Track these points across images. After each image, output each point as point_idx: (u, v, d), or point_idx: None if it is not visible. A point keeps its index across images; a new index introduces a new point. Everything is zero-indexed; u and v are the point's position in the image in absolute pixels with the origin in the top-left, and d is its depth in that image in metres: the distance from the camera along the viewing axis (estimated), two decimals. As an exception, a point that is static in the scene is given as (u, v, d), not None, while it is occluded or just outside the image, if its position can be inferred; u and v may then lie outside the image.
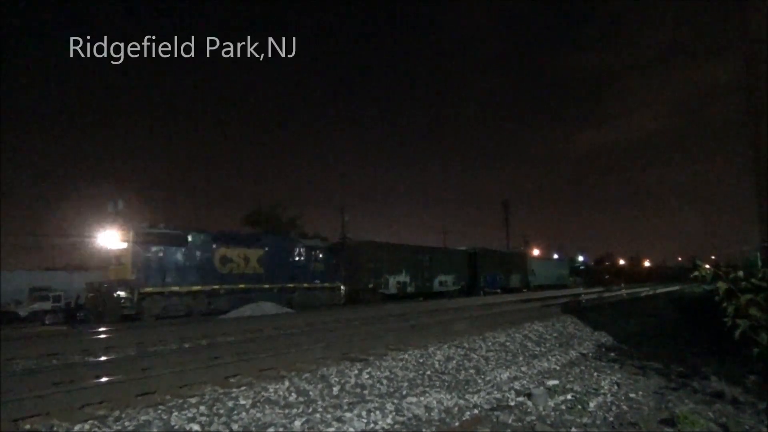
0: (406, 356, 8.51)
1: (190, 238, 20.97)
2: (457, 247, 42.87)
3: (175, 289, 20.11)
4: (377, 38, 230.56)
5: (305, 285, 24.85)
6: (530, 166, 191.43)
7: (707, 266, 6.22)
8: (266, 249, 23.45)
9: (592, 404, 5.37)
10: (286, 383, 6.58)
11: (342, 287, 27.00)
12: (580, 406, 5.28)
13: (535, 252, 76.41)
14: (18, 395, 6.01)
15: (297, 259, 24.90)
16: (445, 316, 17.62)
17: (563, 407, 5.32)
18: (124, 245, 19.65)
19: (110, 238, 20.29)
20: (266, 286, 22.97)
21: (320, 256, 25.96)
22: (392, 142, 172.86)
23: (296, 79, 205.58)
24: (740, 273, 5.54)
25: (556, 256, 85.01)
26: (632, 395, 5.75)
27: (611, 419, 4.91)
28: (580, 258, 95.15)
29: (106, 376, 7.54)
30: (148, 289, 19.34)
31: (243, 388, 6.54)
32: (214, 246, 21.64)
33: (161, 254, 20.05)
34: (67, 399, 6.01)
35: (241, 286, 22.10)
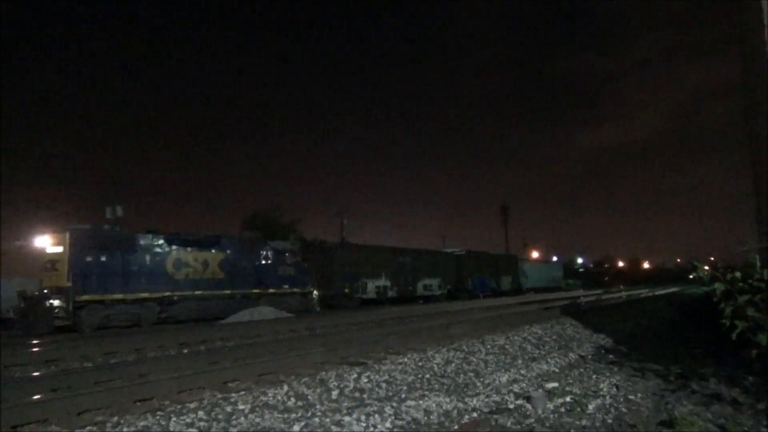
0: (406, 360, 8.51)
1: (139, 241, 19.30)
2: (444, 250, 41.99)
3: (119, 296, 18.19)
4: (376, 42, 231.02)
5: (272, 290, 23.07)
6: (529, 169, 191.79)
7: (705, 267, 6.23)
8: (228, 252, 21.82)
9: (591, 406, 5.37)
10: (285, 387, 6.57)
11: (314, 292, 25.32)
12: (579, 409, 5.28)
13: (535, 254, 76.52)
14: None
15: (263, 262, 23.10)
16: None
17: (562, 410, 5.31)
18: (60, 249, 17.72)
19: (44, 242, 18.35)
20: (227, 292, 21.30)
21: (290, 259, 24.30)
22: (391, 146, 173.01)
23: (296, 81, 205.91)
24: (738, 274, 5.55)
25: (555, 258, 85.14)
26: (631, 397, 5.75)
27: (610, 421, 4.91)
28: (580, 260, 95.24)
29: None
30: (86, 297, 17.38)
31: (242, 392, 6.53)
32: (168, 249, 19.90)
33: (104, 258, 18.10)
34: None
35: (198, 292, 20.31)
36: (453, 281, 38.28)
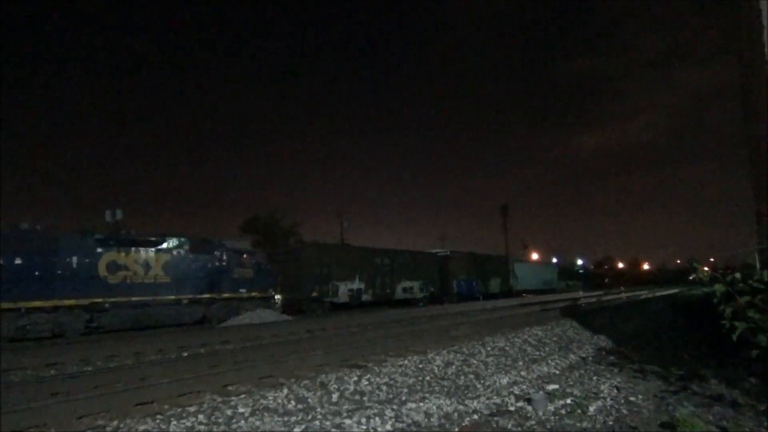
0: (406, 362, 8.50)
1: (63, 242, 17.25)
2: (428, 250, 39.63)
3: (38, 304, 16.15)
4: (376, 45, 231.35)
5: (226, 295, 21.09)
6: (530, 170, 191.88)
7: (705, 269, 6.23)
8: (174, 253, 19.88)
9: (591, 408, 5.36)
10: (285, 390, 6.56)
11: (277, 297, 23.47)
12: (579, 411, 5.27)
13: (535, 255, 76.47)
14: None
15: (217, 264, 21.12)
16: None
17: (563, 411, 5.31)
18: None
19: None
20: (171, 297, 19.31)
21: (249, 261, 22.43)
22: (392, 148, 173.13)
23: (297, 84, 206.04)
24: (738, 275, 5.55)
25: (555, 260, 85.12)
26: (632, 399, 5.74)
27: (611, 423, 4.90)
28: (579, 261, 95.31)
29: None
30: None
31: (242, 396, 6.52)
32: (100, 250, 17.86)
33: (19, 261, 16.19)
34: None
35: (135, 298, 18.27)
36: (436, 284, 36.42)
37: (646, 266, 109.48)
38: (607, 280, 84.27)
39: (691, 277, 6.11)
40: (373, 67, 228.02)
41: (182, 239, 20.47)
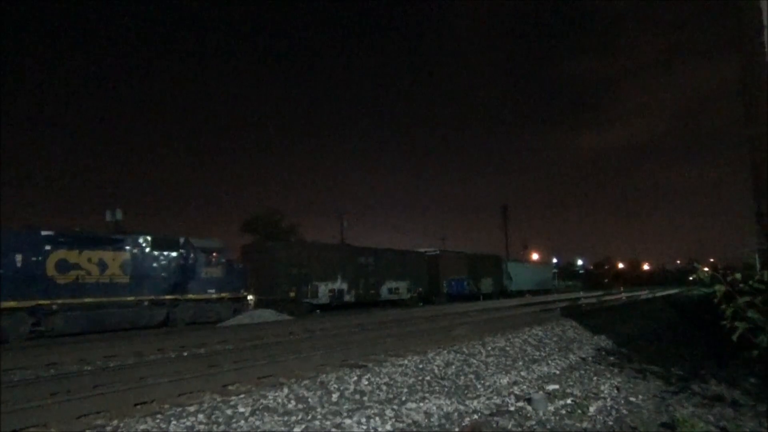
0: (406, 362, 8.50)
1: (6, 238, 15.82)
2: (416, 249, 38.12)
3: None
4: (377, 45, 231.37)
5: (191, 296, 19.76)
6: (530, 171, 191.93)
7: (705, 269, 6.23)
8: (134, 251, 18.49)
9: (591, 408, 5.36)
10: (285, 390, 6.56)
11: (250, 298, 22.51)
12: (579, 411, 5.27)
13: (535, 256, 76.44)
14: None
15: (182, 263, 19.83)
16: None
17: (563, 412, 5.30)
18: None
19: None
20: (130, 298, 17.94)
21: (218, 259, 21.05)
22: (392, 148, 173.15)
23: (297, 84, 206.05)
24: (738, 275, 5.55)
25: (555, 260, 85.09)
26: (632, 399, 5.74)
27: (611, 423, 4.89)
28: (579, 262, 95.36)
29: None
30: None
31: (242, 395, 6.52)
32: (48, 248, 16.46)
33: None
34: None
35: (88, 299, 16.83)
36: (425, 284, 35.15)
37: (646, 266, 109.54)
38: (607, 281, 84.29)
39: (691, 278, 6.12)
40: (373, 66, 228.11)
41: (143, 236, 19.20)
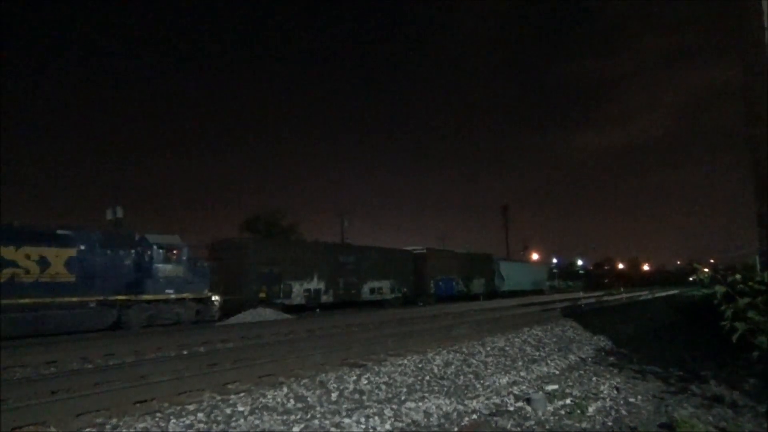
0: (405, 361, 8.50)
1: None
2: (402, 247, 36.37)
3: None
4: (378, 45, 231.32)
5: (147, 297, 18.09)
6: (531, 171, 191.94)
7: (706, 270, 6.23)
8: (81, 248, 16.89)
9: (591, 409, 5.36)
10: (285, 389, 6.56)
11: (215, 298, 20.58)
12: (579, 411, 5.27)
13: (535, 256, 76.38)
14: None
15: (136, 261, 18.27)
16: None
17: (562, 412, 5.30)
18: None
19: None
20: (74, 299, 16.26)
21: (179, 257, 19.37)
22: (392, 148, 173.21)
23: (298, 84, 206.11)
24: (738, 276, 5.55)
25: (555, 260, 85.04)
26: (631, 399, 5.74)
27: (610, 424, 4.89)
28: (580, 262, 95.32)
29: None
30: None
31: (241, 394, 6.52)
32: None
33: None
34: None
35: (26, 300, 15.20)
36: (410, 284, 33.54)
37: (646, 267, 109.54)
38: (607, 281, 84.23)
39: (691, 278, 6.12)
40: (374, 66, 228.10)
41: (92, 231, 17.87)
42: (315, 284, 26.58)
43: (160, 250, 18.96)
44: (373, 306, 29.65)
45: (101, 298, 16.96)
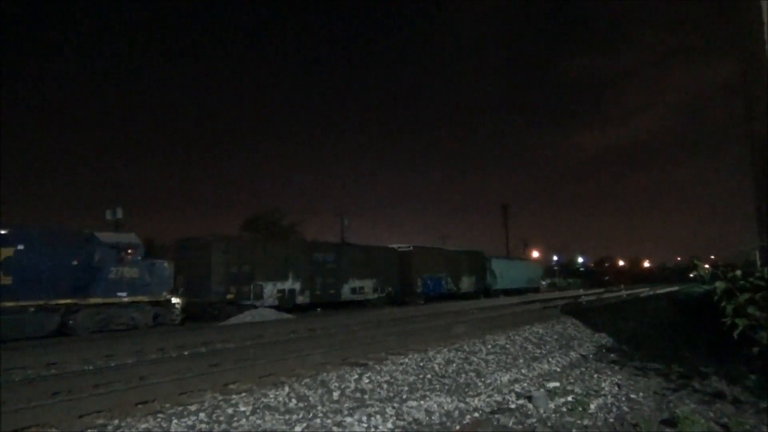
0: (407, 360, 8.51)
1: None
2: (388, 245, 34.97)
3: None
4: (378, 43, 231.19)
5: (96, 300, 16.67)
6: (531, 170, 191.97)
7: (706, 266, 6.23)
8: (19, 248, 15.56)
9: (592, 406, 5.36)
10: (286, 389, 6.57)
11: (176, 301, 19.16)
12: (580, 408, 5.27)
13: (535, 254, 76.33)
14: None
15: (84, 262, 16.79)
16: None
17: (564, 409, 5.31)
18: None
19: None
20: (11, 304, 14.87)
21: (134, 258, 17.91)
22: (393, 147, 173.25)
23: (297, 83, 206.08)
24: (738, 272, 5.55)
25: (555, 258, 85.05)
26: (633, 396, 5.74)
27: (612, 420, 4.90)
28: (580, 259, 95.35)
29: None
30: None
31: (243, 394, 6.53)
32: None
33: None
34: None
35: None
36: (396, 282, 32.14)
37: (646, 264, 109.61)
38: (607, 278, 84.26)
39: (691, 275, 6.12)
40: (373, 65, 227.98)
41: (33, 230, 16.52)
42: (290, 284, 25.19)
43: (112, 250, 17.48)
44: (355, 306, 28.35)
45: (42, 302, 15.61)
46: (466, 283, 39.29)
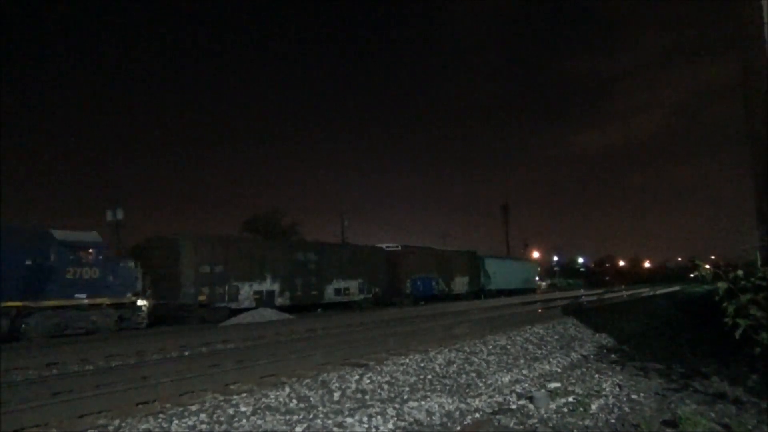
0: (407, 360, 8.50)
1: None
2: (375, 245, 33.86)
3: None
4: (378, 44, 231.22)
5: (50, 302, 15.56)
6: (531, 169, 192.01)
7: (707, 266, 6.22)
8: None
9: (593, 406, 5.35)
10: (287, 389, 6.56)
11: (141, 303, 18.01)
12: (581, 408, 5.26)
13: (536, 254, 76.29)
14: None
15: (37, 262, 15.63)
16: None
17: (565, 410, 5.30)
18: None
19: None
20: None
21: (94, 257, 16.70)
22: (393, 147, 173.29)
23: (298, 84, 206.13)
24: (740, 272, 5.54)
25: (556, 258, 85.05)
26: (634, 396, 5.73)
27: (613, 421, 4.89)
28: (581, 260, 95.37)
29: None
30: None
31: (243, 394, 6.52)
32: None
33: None
34: None
35: None
36: (383, 283, 30.97)
37: (647, 264, 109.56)
38: (608, 278, 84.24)
39: (692, 275, 6.11)
40: (374, 65, 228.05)
41: None
42: (268, 285, 24.10)
43: (69, 249, 16.30)
44: (340, 308, 27.48)
45: None
46: (459, 284, 38.25)
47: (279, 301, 24.41)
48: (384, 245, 33.55)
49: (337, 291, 27.72)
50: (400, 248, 33.84)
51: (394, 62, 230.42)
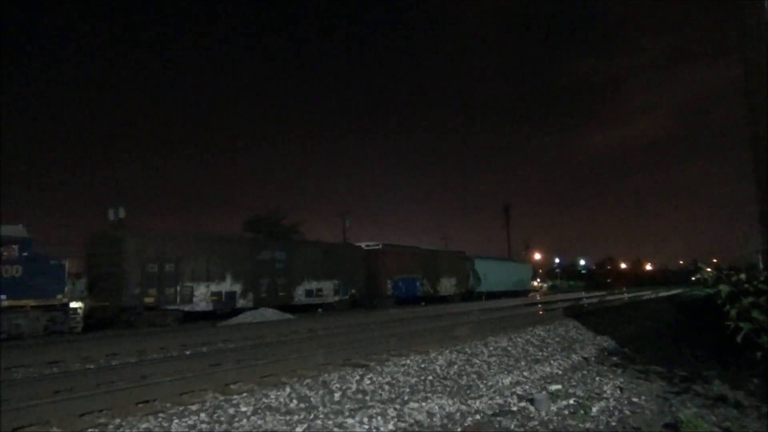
0: (408, 361, 8.49)
1: None
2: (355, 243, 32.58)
3: None
4: (380, 45, 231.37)
5: None
6: (533, 171, 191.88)
7: (709, 269, 6.21)
8: None
9: (594, 409, 5.34)
10: (287, 389, 6.56)
11: (75, 305, 16.63)
12: (582, 411, 5.25)
13: (537, 256, 76.20)
14: None
15: None
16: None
17: (566, 412, 5.29)
18: None
19: None
20: None
21: (17, 254, 15.24)
22: (395, 148, 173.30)
23: (300, 84, 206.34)
24: (742, 276, 5.53)
25: (557, 260, 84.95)
26: (635, 399, 5.72)
27: (614, 424, 4.88)
28: (582, 262, 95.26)
29: None
30: None
31: (244, 394, 6.52)
32: None
33: None
34: None
35: None
36: (361, 284, 29.43)
37: (648, 267, 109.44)
38: (609, 281, 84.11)
39: (694, 278, 6.12)
40: (375, 66, 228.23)
41: None
42: (228, 286, 22.32)
43: None
44: (311, 310, 26.11)
45: None
46: (446, 285, 36.64)
47: (241, 303, 22.77)
48: (363, 244, 32.23)
49: (309, 292, 26.11)
50: (380, 246, 32.18)
51: (397, 63, 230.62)
